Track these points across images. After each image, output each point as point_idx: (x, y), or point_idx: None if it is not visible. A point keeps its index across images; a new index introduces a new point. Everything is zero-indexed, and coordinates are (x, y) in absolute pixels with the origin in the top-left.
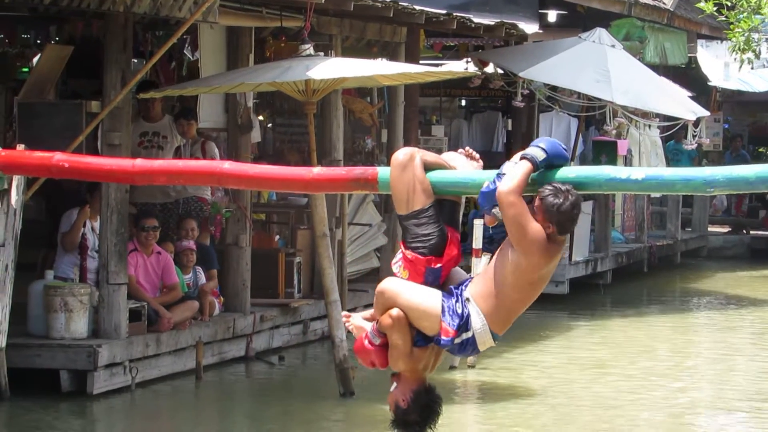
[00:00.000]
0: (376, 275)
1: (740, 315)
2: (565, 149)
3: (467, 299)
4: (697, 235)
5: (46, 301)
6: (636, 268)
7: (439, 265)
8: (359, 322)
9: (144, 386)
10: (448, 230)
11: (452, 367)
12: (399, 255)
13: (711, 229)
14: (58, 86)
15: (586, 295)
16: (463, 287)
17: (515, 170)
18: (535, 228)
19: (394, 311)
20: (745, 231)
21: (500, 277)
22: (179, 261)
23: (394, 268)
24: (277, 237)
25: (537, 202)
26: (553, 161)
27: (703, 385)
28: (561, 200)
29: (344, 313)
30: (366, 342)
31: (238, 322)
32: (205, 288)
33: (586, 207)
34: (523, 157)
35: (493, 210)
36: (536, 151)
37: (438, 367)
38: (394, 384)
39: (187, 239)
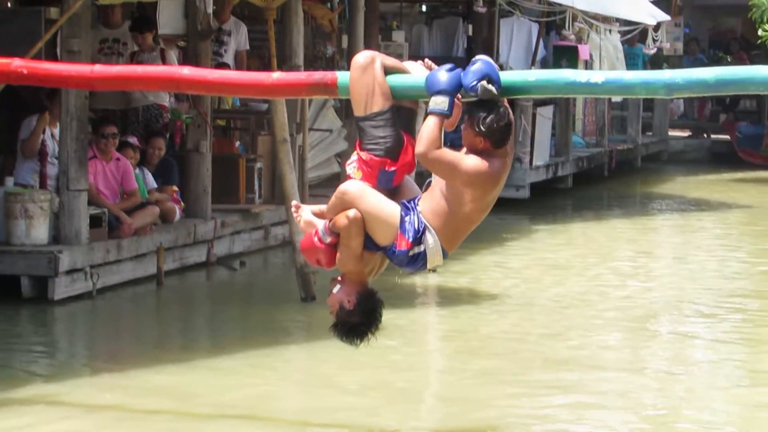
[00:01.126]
0: (336, 180)
1: (701, 218)
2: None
3: (419, 213)
4: (658, 139)
5: (7, 208)
6: (597, 172)
7: (393, 168)
8: (309, 217)
9: (105, 292)
10: (404, 136)
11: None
12: (354, 156)
13: (672, 133)
14: None
15: (547, 200)
16: (415, 202)
17: (424, 130)
18: (471, 164)
19: (352, 212)
20: (705, 135)
21: (451, 195)
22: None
23: (348, 169)
24: (238, 143)
25: (465, 123)
26: (472, 87)
27: (664, 286)
28: (485, 115)
29: (294, 202)
30: (316, 240)
31: (199, 227)
32: (153, 195)
33: (547, 111)
34: (430, 113)
35: (480, 84)
36: (438, 100)
37: (400, 272)
38: (337, 286)
39: (155, 157)
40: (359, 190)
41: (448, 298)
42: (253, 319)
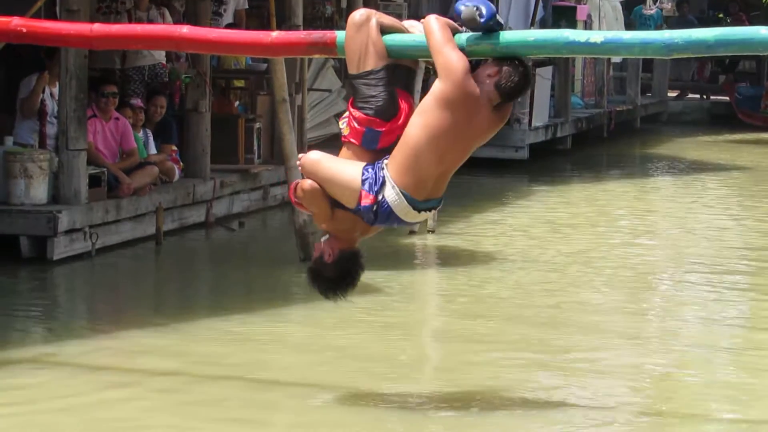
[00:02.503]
0: (336, 141)
1: (700, 179)
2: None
3: (382, 168)
4: (657, 100)
5: (6, 167)
6: (596, 133)
7: (380, 129)
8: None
9: (104, 252)
10: (401, 96)
11: (412, 232)
12: (347, 112)
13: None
14: None
15: (546, 161)
16: (385, 158)
17: (436, 19)
18: (458, 55)
19: (307, 183)
20: (704, 96)
21: (414, 135)
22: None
23: (340, 124)
24: (237, 102)
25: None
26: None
27: (664, 245)
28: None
29: (300, 155)
30: (292, 193)
31: (198, 188)
32: (152, 158)
33: (546, 72)
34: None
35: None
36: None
37: (397, 233)
38: (327, 236)
39: (156, 115)
40: (315, 161)
41: (447, 259)
42: (252, 279)
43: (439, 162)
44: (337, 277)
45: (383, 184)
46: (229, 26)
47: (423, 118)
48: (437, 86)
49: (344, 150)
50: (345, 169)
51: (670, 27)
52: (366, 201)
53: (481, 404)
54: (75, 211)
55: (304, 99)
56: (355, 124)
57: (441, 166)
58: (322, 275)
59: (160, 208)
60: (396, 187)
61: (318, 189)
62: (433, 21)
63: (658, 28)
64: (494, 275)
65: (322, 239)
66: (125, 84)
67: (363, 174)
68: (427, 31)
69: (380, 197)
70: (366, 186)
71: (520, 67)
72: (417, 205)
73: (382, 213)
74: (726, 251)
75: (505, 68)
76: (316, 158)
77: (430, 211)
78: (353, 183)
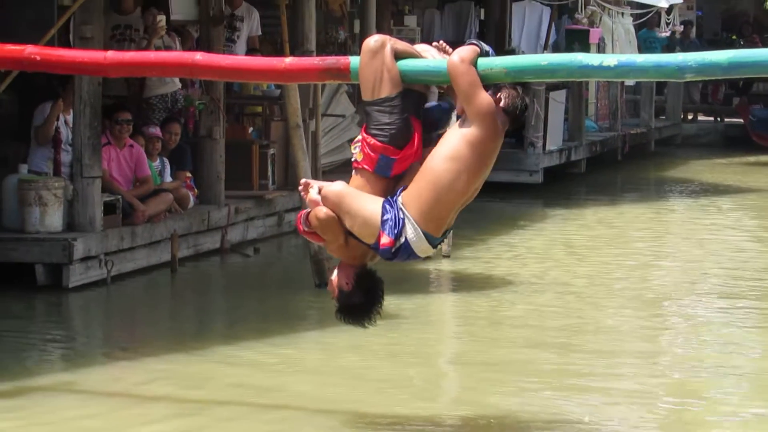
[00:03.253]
0: (349, 166)
1: (715, 202)
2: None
3: (401, 209)
4: (671, 123)
5: (21, 195)
6: (610, 156)
7: (394, 157)
8: (314, 196)
9: (119, 279)
10: (413, 122)
11: (427, 257)
12: (359, 137)
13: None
14: None
15: (560, 185)
16: (398, 194)
17: (464, 48)
18: (488, 96)
19: (322, 212)
20: (719, 118)
21: (441, 177)
22: (146, 148)
23: (353, 148)
24: (251, 129)
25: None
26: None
27: (680, 269)
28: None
29: (303, 180)
30: (301, 222)
31: (212, 214)
32: (167, 185)
33: (560, 96)
34: (469, 43)
35: None
36: (478, 42)
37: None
38: (335, 272)
39: (171, 142)
40: (339, 193)
41: (461, 284)
42: (267, 306)
43: (462, 196)
44: (365, 299)
45: (403, 225)
46: (248, 52)
47: (454, 164)
48: (472, 132)
49: (356, 176)
50: (366, 205)
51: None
52: (385, 243)
53: (496, 428)
54: (90, 238)
55: (317, 125)
56: (369, 151)
57: (463, 198)
58: (351, 306)
59: (174, 235)
60: (418, 228)
61: (334, 218)
62: (459, 64)
63: (665, 50)
64: (509, 299)
65: (333, 276)
66: (149, 112)
67: (383, 213)
68: (454, 75)
69: (402, 239)
70: (386, 229)
71: (512, 89)
72: (434, 242)
73: (402, 253)
74: (742, 274)
75: (504, 93)
76: (339, 190)
77: (443, 241)
78: (373, 221)
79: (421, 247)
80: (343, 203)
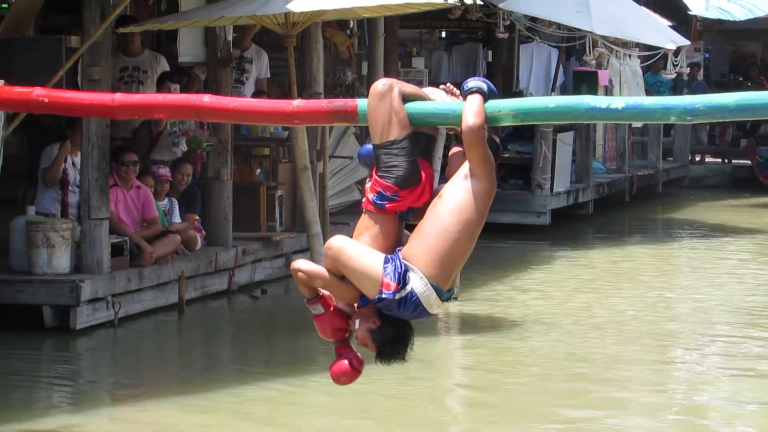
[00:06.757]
0: (357, 208)
1: (723, 243)
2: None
3: (402, 260)
4: (679, 164)
5: (28, 237)
6: (618, 198)
7: (395, 194)
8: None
9: (127, 321)
10: (422, 164)
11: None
12: (370, 179)
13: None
14: (37, 21)
15: (568, 226)
16: (397, 251)
17: (472, 104)
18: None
19: (318, 281)
20: (726, 160)
21: (438, 224)
22: (154, 188)
23: (367, 185)
24: (259, 170)
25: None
26: (490, 96)
27: (687, 311)
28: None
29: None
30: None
31: (220, 255)
32: (175, 227)
33: (567, 137)
34: (471, 92)
35: None
36: (478, 83)
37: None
38: (356, 321)
39: (182, 184)
40: (340, 246)
41: (469, 326)
42: (275, 347)
43: (470, 249)
44: (397, 330)
45: (407, 271)
46: (255, 95)
47: (462, 217)
48: (479, 187)
49: (364, 216)
50: (367, 255)
51: (680, 92)
52: (389, 287)
53: None
54: (97, 280)
55: (325, 166)
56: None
57: (470, 251)
58: (389, 341)
59: (182, 276)
60: (425, 278)
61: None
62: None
63: (671, 93)
64: (517, 341)
65: (356, 327)
66: (163, 151)
67: (385, 262)
68: (475, 143)
69: (408, 288)
70: (387, 273)
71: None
72: (443, 296)
73: (410, 304)
74: (750, 316)
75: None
76: (342, 244)
77: (449, 300)
78: (374, 270)
79: (431, 298)
80: (344, 252)
